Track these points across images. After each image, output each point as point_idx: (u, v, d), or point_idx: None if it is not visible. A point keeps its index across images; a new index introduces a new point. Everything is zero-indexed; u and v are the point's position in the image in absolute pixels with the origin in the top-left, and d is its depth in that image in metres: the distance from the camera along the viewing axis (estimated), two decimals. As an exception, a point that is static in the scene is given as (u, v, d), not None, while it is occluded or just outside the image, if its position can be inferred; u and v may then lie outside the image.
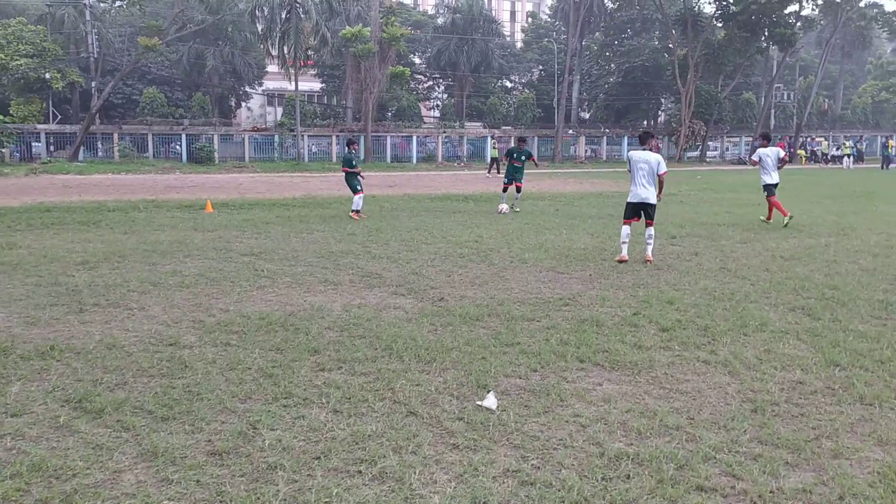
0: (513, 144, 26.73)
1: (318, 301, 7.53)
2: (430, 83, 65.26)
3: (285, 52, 40.98)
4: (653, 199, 10.04)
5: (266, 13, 39.33)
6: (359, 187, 15.65)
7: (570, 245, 11.55)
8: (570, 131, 55.06)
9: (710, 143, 58.99)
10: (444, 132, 50.36)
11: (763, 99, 58.90)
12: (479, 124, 53.55)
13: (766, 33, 51.05)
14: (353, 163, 15.94)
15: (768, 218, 14.35)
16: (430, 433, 4.17)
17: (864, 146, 56.70)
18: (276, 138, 44.90)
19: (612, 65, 63.80)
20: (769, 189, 14.14)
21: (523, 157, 17.54)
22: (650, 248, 10.09)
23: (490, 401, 4.63)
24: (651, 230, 10.09)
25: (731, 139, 61.05)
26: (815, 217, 15.43)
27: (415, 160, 47.67)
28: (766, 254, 10.60)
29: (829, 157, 53.77)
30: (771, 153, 14.20)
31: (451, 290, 8.08)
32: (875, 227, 13.72)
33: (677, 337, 6.12)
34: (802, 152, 54.61)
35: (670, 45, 55.70)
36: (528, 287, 8.29)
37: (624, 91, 61.86)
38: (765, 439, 4.09)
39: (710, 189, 24.92)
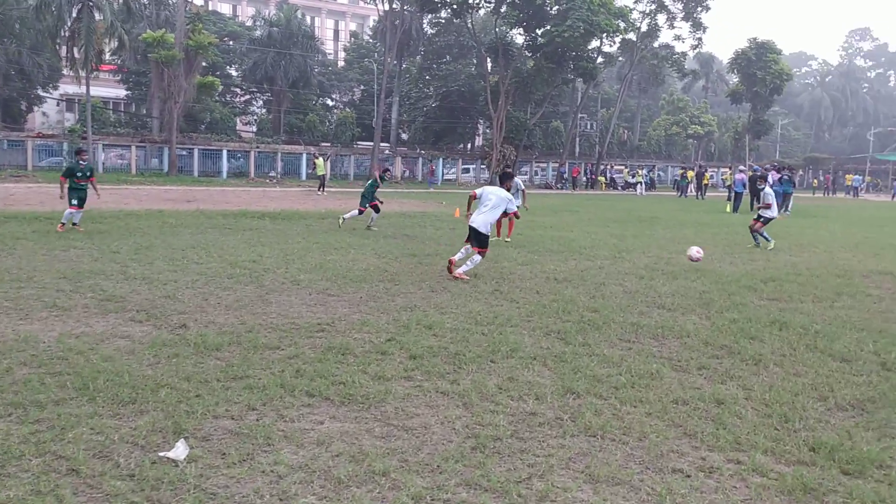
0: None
1: (30, 330, 6.47)
2: (248, 97, 63.10)
3: (76, 52, 37.64)
4: (483, 229, 10.39)
5: (54, 10, 35.91)
6: (74, 201, 14.38)
7: (353, 266, 11.08)
8: (387, 151, 55.20)
9: (521, 167, 61.51)
10: (258, 147, 48.60)
11: (569, 127, 62.39)
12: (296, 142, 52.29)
13: (572, 66, 54.09)
14: (79, 174, 14.64)
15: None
16: (83, 498, 3.44)
17: (656, 175, 61.53)
18: (65, 146, 41.07)
19: (431, 88, 64.96)
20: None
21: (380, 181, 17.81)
22: (463, 268, 10.27)
23: (179, 450, 3.96)
24: (476, 256, 10.40)
25: (540, 164, 64.01)
26: (598, 240, 16.07)
27: (224, 175, 45.52)
28: (542, 276, 10.71)
29: (625, 183, 57.77)
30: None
31: (199, 316, 7.29)
32: (649, 250, 14.46)
33: (424, 365, 5.77)
34: (602, 179, 58.28)
35: (484, 73, 57.62)
36: (288, 311, 7.68)
37: (442, 114, 63.16)
38: (474, 482, 3.75)
39: (511, 211, 25.56)
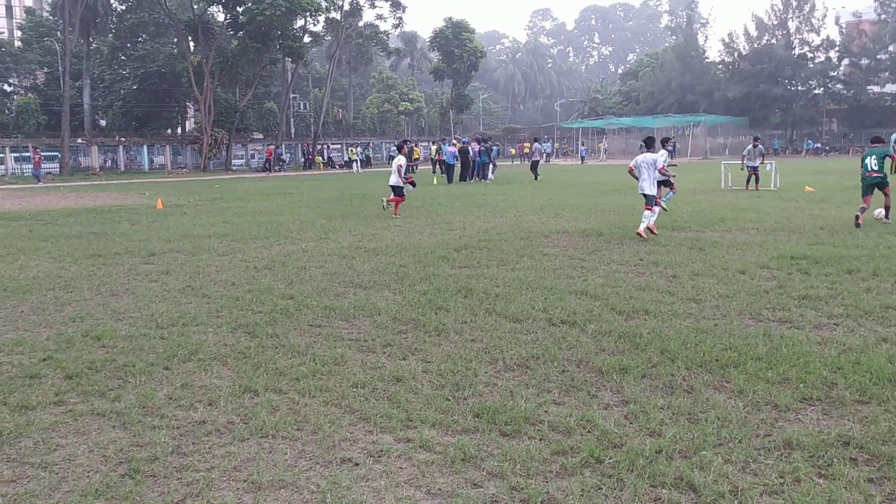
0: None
1: None
2: None
3: None
4: (649, 192, 12.19)
5: None
6: None
7: (20, 274, 9.68)
8: (80, 140, 49.95)
9: (236, 151, 59.32)
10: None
11: (282, 108, 61.30)
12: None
13: (278, 45, 53.00)
14: None
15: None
16: None
17: (371, 152, 62.86)
18: None
19: (128, 69, 59.86)
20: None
21: None
22: (643, 224, 12.01)
23: None
24: (646, 212, 12.12)
25: (257, 147, 62.26)
26: (306, 222, 15.84)
27: None
28: (243, 265, 10.23)
29: (343, 162, 58.29)
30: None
31: None
32: (356, 228, 14.55)
33: (82, 385, 5.10)
34: (319, 158, 58.24)
35: (185, 52, 54.30)
36: (-81, 340, 6.40)
37: (143, 97, 58.63)
38: (116, 518, 3.31)
39: (220, 199, 24.44)
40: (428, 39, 70.10)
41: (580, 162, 57.93)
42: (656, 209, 12.55)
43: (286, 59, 58.83)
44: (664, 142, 15.73)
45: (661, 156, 13.59)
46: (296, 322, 6.83)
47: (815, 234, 11.91)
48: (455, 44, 62.84)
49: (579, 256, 10.27)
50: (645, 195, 12.23)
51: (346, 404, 4.67)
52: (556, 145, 77.27)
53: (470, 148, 30.82)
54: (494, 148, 35.48)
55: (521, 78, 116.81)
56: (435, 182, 31.06)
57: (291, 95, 63.21)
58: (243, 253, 11.44)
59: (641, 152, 12.73)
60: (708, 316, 6.69)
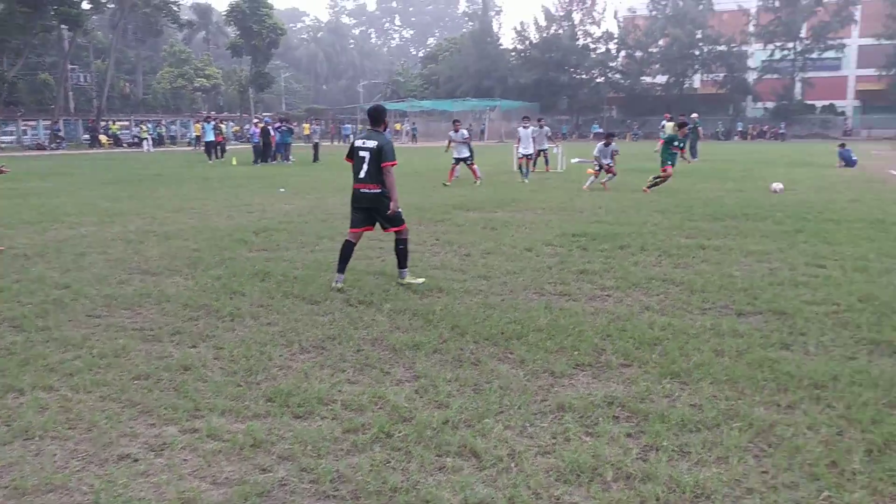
0: None
1: None
2: None
3: None
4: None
5: None
6: None
7: None
8: None
9: (6, 127, 53.38)
10: None
11: (60, 80, 55.91)
12: None
13: (52, 11, 48.17)
14: None
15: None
16: None
17: (164, 130, 59.23)
18: None
19: None
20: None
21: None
22: None
23: None
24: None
25: (29, 122, 56.35)
26: (87, 204, 14.64)
27: None
28: (10, 254, 9.26)
29: (132, 140, 54.37)
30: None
31: None
32: (144, 211, 13.68)
33: None
34: (105, 137, 53.86)
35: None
36: None
37: None
38: None
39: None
40: (224, 13, 67.02)
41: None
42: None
43: (62, 26, 53.59)
44: (681, 125, 16.76)
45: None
46: (71, 313, 6.31)
47: (595, 213, 12.91)
48: (253, 19, 60.51)
49: (378, 237, 10.37)
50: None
51: (127, 398, 4.41)
52: (360, 127, 77.25)
53: (271, 129, 29.97)
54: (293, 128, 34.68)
55: (324, 57, 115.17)
56: (234, 163, 29.91)
57: (70, 66, 57.81)
58: (10, 240, 10.35)
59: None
60: (496, 292, 7.05)
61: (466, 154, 18.87)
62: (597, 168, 17.35)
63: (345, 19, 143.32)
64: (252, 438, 3.82)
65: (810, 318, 5.92)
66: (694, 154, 30.55)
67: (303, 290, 7.07)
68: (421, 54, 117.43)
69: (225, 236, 10.54)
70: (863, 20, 65.64)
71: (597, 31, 74.06)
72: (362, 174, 7.07)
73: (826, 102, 67.62)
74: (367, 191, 7.10)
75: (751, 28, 66.89)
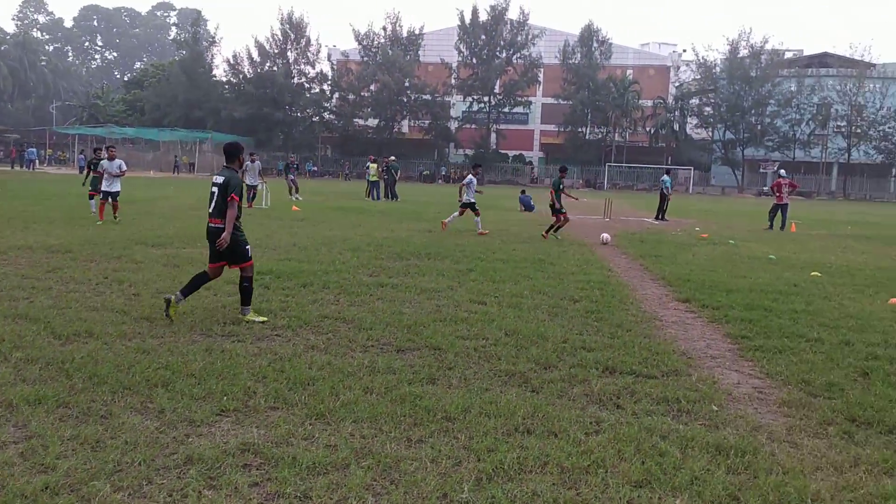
0: None
1: None
2: None
3: None
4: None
5: None
6: None
7: None
8: None
9: None
10: None
11: None
12: None
13: None
14: None
15: None
16: None
17: None
18: None
19: None
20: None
21: None
22: None
23: None
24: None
25: None
26: None
27: None
28: None
29: None
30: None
31: None
32: None
33: None
34: None
35: None
36: None
37: None
38: None
39: None
40: None
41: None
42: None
43: None
44: (561, 169, 17.74)
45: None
46: None
47: (287, 250, 12.78)
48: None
49: (35, 276, 9.24)
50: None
51: None
52: (49, 152, 69.67)
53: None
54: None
55: (8, 73, 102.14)
56: None
57: None
58: None
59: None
60: (157, 334, 6.56)
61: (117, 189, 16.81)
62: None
63: (36, 34, 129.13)
64: None
65: (460, 352, 6.31)
66: (393, 195, 32.11)
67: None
68: (126, 78, 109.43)
69: None
70: (545, 82, 74.66)
71: (311, 72, 75.10)
72: (211, 209, 7.24)
73: (517, 152, 75.39)
74: (213, 225, 7.25)
75: (452, 81, 72.45)
